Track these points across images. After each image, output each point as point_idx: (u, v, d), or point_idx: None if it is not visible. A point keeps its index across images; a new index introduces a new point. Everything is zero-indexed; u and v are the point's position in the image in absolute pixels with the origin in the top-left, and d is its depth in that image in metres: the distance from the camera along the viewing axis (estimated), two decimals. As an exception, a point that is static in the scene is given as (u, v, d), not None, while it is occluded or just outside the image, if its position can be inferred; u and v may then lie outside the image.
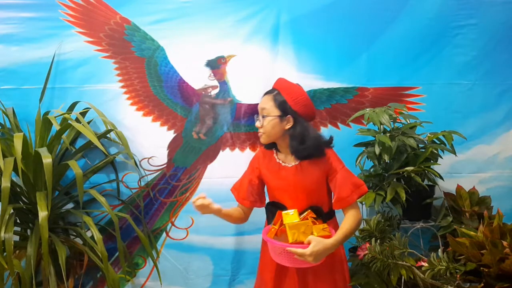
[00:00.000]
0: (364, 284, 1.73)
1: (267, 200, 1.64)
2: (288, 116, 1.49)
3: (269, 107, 1.50)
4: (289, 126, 1.49)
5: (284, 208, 1.52)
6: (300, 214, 1.48)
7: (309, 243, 1.33)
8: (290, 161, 1.55)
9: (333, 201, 1.53)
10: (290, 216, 1.43)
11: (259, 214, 1.66)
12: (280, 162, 1.56)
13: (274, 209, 1.55)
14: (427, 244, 1.96)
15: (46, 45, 2.04)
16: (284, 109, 1.49)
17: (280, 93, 1.50)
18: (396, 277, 1.59)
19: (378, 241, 1.66)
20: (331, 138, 1.56)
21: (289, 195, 1.54)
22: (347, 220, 1.47)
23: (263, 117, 1.50)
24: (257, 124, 1.53)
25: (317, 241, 1.34)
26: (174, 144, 2.11)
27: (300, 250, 1.32)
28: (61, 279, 1.70)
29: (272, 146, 1.60)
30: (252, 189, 1.61)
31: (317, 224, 1.44)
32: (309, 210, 1.48)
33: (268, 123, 1.49)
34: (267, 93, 1.54)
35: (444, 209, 1.86)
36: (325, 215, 1.53)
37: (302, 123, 1.50)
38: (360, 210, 1.50)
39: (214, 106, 2.11)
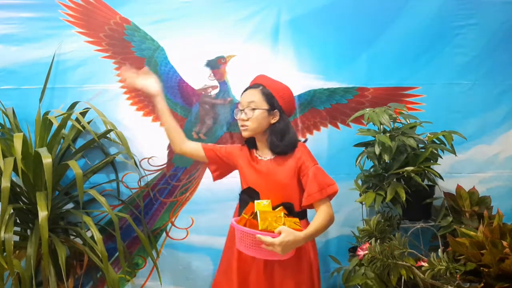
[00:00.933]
0: (363, 284, 1.73)
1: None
2: (275, 110, 1.53)
3: (257, 100, 1.52)
4: (275, 121, 1.53)
5: (258, 195, 1.52)
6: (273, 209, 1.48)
7: (279, 233, 1.32)
8: (266, 155, 1.58)
9: (304, 197, 1.51)
10: (262, 205, 1.43)
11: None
12: (258, 156, 1.59)
13: (247, 197, 1.54)
14: (427, 244, 1.96)
15: (46, 45, 2.04)
16: (271, 103, 1.53)
17: (266, 88, 1.54)
18: (396, 277, 1.59)
19: (378, 241, 1.67)
20: (305, 140, 1.65)
21: (262, 189, 1.54)
22: (318, 216, 1.45)
23: (251, 110, 1.51)
24: (243, 116, 1.53)
25: (287, 232, 1.32)
26: (174, 144, 2.10)
27: (269, 239, 1.30)
28: (61, 279, 1.70)
29: (254, 145, 1.62)
30: (216, 155, 1.66)
31: (289, 218, 1.44)
32: (281, 207, 1.49)
33: (257, 116, 1.51)
34: (251, 87, 1.57)
35: (444, 209, 1.86)
36: (296, 213, 1.52)
37: (285, 119, 1.55)
38: (332, 208, 1.49)
39: (214, 106, 2.11)
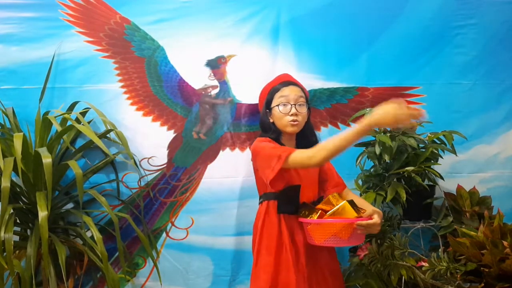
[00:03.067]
0: (363, 285, 1.73)
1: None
2: (308, 109, 1.59)
3: (304, 97, 1.57)
4: (306, 119, 1.60)
5: (298, 188, 1.55)
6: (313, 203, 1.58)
7: (370, 216, 1.42)
8: None
9: (329, 188, 1.65)
10: (338, 197, 1.52)
11: (259, 214, 1.66)
12: None
13: (289, 194, 1.54)
14: (427, 244, 1.96)
15: (46, 45, 2.04)
16: (307, 101, 1.59)
17: (301, 87, 1.60)
18: (397, 277, 1.59)
19: (379, 241, 1.67)
20: None
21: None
22: (359, 198, 1.62)
23: (301, 105, 1.54)
24: (294, 111, 1.52)
25: (377, 211, 1.44)
26: (174, 144, 2.10)
27: (371, 221, 1.40)
28: (61, 279, 1.70)
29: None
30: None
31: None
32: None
33: (305, 112, 1.57)
34: (291, 84, 1.59)
35: (444, 209, 1.85)
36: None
37: (309, 117, 1.63)
38: None
39: (214, 106, 2.11)
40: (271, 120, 1.61)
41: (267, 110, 1.61)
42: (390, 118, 1.26)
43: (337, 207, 1.45)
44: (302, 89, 1.60)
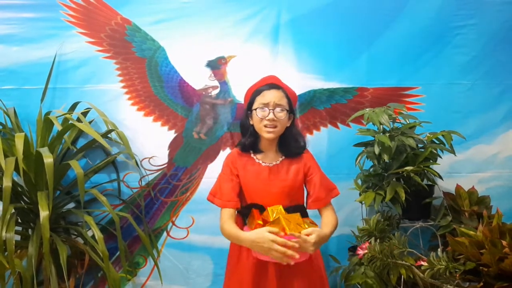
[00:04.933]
0: (363, 284, 1.74)
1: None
2: (291, 114, 1.56)
3: (284, 103, 1.52)
4: (288, 125, 1.56)
5: (262, 209, 1.49)
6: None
7: (308, 234, 1.32)
8: (270, 161, 1.57)
9: (309, 201, 1.56)
10: (278, 211, 1.42)
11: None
12: (260, 162, 1.56)
13: (249, 212, 1.52)
14: (426, 244, 1.97)
15: (47, 45, 2.05)
16: (290, 106, 1.55)
17: (286, 91, 1.56)
18: (396, 277, 1.60)
19: (378, 240, 1.67)
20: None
21: (269, 195, 1.52)
22: (330, 218, 1.52)
23: (280, 111, 1.50)
24: (272, 116, 1.48)
25: (317, 230, 1.35)
26: (174, 144, 2.11)
27: (303, 237, 1.30)
28: (62, 278, 1.71)
29: (249, 148, 1.59)
30: (235, 190, 1.56)
31: (304, 219, 1.45)
32: (299, 213, 1.47)
33: (285, 118, 1.52)
34: (274, 88, 1.54)
35: (443, 208, 1.86)
36: (305, 214, 1.56)
37: (295, 122, 1.60)
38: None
39: (215, 106, 2.12)
40: (251, 123, 1.57)
41: (248, 112, 1.58)
42: (264, 249, 1.32)
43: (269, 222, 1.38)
44: (287, 93, 1.56)
